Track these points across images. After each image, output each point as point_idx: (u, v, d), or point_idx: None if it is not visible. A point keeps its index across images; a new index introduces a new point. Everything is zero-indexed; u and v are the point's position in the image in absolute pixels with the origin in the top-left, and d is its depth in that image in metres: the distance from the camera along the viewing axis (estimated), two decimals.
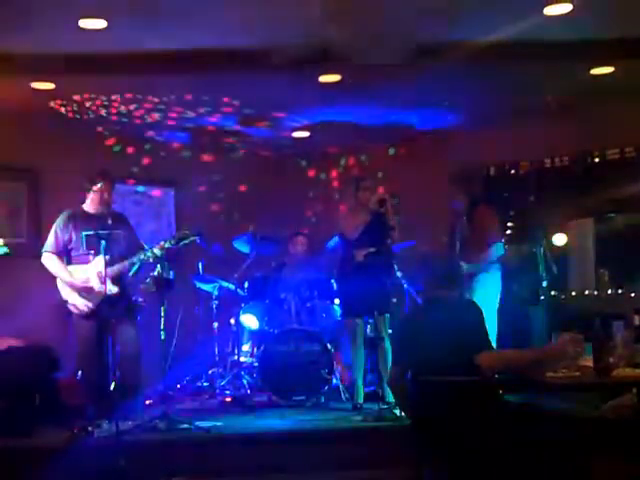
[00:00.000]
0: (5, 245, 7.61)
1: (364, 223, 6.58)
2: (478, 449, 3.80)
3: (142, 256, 6.16)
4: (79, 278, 6.14)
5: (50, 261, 6.20)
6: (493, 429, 3.80)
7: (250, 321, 7.65)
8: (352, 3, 5.43)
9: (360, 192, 6.73)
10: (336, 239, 7.33)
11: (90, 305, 6.12)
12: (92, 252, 6.06)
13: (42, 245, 6.35)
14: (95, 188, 6.24)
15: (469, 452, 3.85)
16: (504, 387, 4.00)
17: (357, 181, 6.91)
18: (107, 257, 5.90)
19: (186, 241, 6.29)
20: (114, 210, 6.42)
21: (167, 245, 6.14)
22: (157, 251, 6.13)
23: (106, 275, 5.88)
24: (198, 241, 6.47)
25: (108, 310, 5.92)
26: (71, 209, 6.33)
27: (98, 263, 5.97)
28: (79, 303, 6.14)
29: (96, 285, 6.07)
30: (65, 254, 6.23)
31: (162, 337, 6.22)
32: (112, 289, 6.04)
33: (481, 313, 4.28)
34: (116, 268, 6.11)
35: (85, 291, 6.12)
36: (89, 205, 6.30)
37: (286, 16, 5.54)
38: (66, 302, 6.18)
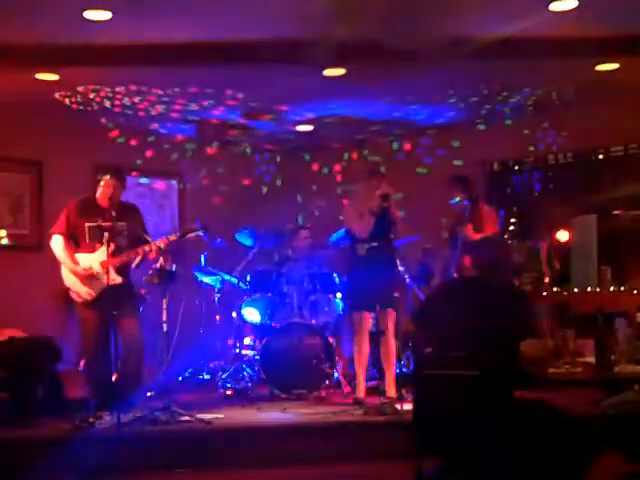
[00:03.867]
0: (8, 237, 7.63)
1: (369, 218, 6.57)
2: (479, 444, 3.81)
3: (146, 249, 6.17)
4: (83, 265, 6.15)
5: (57, 243, 6.21)
6: (495, 424, 3.80)
7: (252, 314, 7.64)
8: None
9: (365, 187, 6.72)
10: (340, 233, 7.33)
11: (93, 293, 6.12)
12: (98, 241, 6.07)
13: (45, 237, 6.36)
14: (102, 181, 6.27)
15: (470, 447, 3.85)
16: (507, 382, 3.99)
17: (363, 176, 6.90)
18: (111, 248, 5.92)
19: (191, 234, 6.30)
20: (123, 202, 6.41)
21: (172, 238, 6.17)
22: (161, 245, 6.14)
23: (109, 265, 5.90)
24: (202, 235, 6.48)
25: (111, 301, 5.92)
26: (83, 197, 6.36)
27: (102, 253, 5.98)
28: (82, 291, 6.14)
29: (100, 273, 6.07)
30: (72, 239, 6.23)
31: (164, 330, 6.23)
32: (116, 279, 6.05)
33: (530, 302, 4.30)
34: (119, 259, 6.12)
35: (88, 279, 6.13)
36: (98, 196, 6.32)
37: (292, 9, 5.54)
38: (68, 290, 6.19)
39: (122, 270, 6.19)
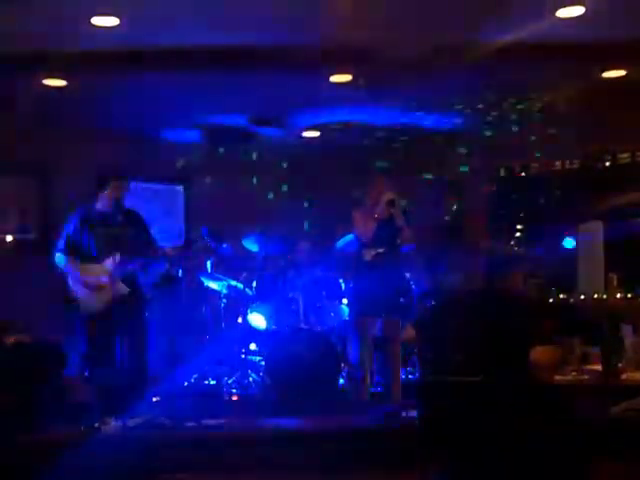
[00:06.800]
0: (13, 241, 7.65)
1: (375, 224, 6.58)
2: (486, 451, 3.80)
3: (153, 258, 6.17)
4: (91, 277, 6.14)
5: (62, 261, 6.21)
6: (501, 431, 3.80)
7: (258, 320, 7.64)
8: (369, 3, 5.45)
9: (371, 193, 6.72)
10: (347, 238, 7.33)
11: (101, 304, 6.11)
12: (104, 251, 6.06)
13: (51, 241, 6.37)
14: (110, 184, 6.24)
15: (476, 454, 3.84)
16: (513, 389, 3.99)
17: (370, 183, 6.91)
18: (118, 256, 5.91)
19: (198, 246, 6.30)
20: (127, 208, 6.41)
21: (179, 248, 6.16)
22: (168, 252, 6.15)
23: (115, 274, 5.89)
24: (209, 243, 6.49)
25: (119, 309, 5.92)
26: (83, 208, 6.33)
27: (109, 262, 5.97)
28: (89, 301, 6.13)
29: (107, 284, 6.06)
30: (77, 253, 6.22)
31: (170, 335, 6.23)
32: (123, 288, 6.05)
33: (533, 308, 4.28)
34: (127, 268, 6.11)
35: (96, 290, 6.12)
36: (100, 203, 6.29)
37: (301, 15, 5.55)
38: (76, 300, 6.18)
39: (129, 278, 6.18)
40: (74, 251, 6.20)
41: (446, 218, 8.72)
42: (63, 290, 6.23)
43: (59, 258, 6.22)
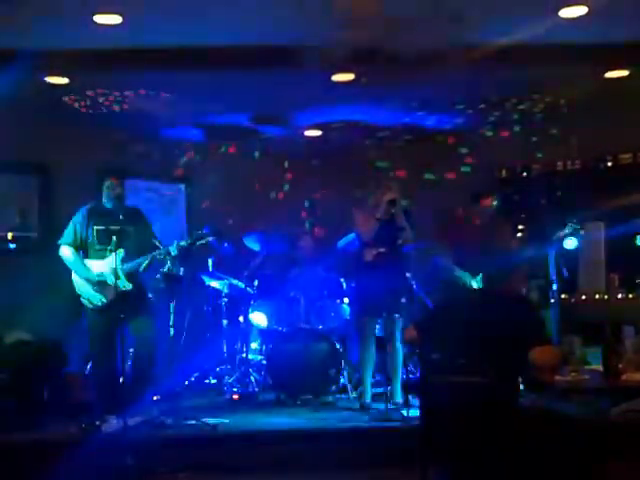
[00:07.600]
0: (15, 239, 7.65)
1: (377, 223, 6.57)
2: (486, 451, 3.80)
3: (156, 254, 6.16)
4: (95, 272, 6.14)
5: (67, 254, 6.21)
6: (500, 431, 3.79)
7: (259, 319, 7.65)
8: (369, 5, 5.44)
9: (373, 193, 6.72)
10: (348, 238, 7.33)
11: (104, 300, 6.11)
12: (108, 247, 6.06)
13: (53, 240, 6.36)
14: (110, 182, 6.25)
15: (477, 454, 3.84)
16: (513, 389, 3.99)
17: (371, 182, 6.91)
18: (121, 253, 5.92)
19: (202, 242, 6.29)
20: (129, 206, 6.41)
21: (183, 244, 6.15)
22: (172, 250, 6.14)
23: (117, 270, 5.89)
24: (212, 241, 6.48)
25: (122, 306, 5.91)
26: (90, 204, 6.34)
27: (113, 259, 5.97)
28: (94, 298, 6.13)
29: (110, 280, 6.06)
30: (82, 248, 6.23)
31: (171, 334, 6.24)
32: (127, 285, 6.05)
33: (533, 309, 4.28)
34: (130, 265, 6.11)
35: (100, 286, 6.12)
36: (104, 201, 6.30)
37: (301, 14, 5.54)
38: (80, 296, 6.18)
39: (133, 275, 6.17)
40: (79, 245, 6.21)
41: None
42: (66, 287, 6.24)
43: (65, 250, 6.22)
